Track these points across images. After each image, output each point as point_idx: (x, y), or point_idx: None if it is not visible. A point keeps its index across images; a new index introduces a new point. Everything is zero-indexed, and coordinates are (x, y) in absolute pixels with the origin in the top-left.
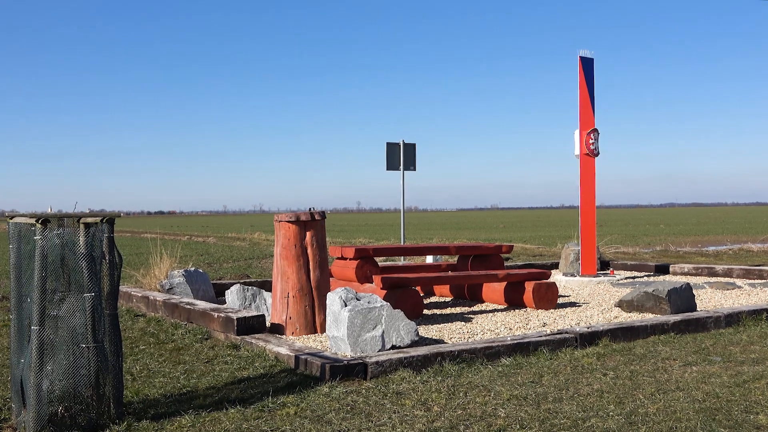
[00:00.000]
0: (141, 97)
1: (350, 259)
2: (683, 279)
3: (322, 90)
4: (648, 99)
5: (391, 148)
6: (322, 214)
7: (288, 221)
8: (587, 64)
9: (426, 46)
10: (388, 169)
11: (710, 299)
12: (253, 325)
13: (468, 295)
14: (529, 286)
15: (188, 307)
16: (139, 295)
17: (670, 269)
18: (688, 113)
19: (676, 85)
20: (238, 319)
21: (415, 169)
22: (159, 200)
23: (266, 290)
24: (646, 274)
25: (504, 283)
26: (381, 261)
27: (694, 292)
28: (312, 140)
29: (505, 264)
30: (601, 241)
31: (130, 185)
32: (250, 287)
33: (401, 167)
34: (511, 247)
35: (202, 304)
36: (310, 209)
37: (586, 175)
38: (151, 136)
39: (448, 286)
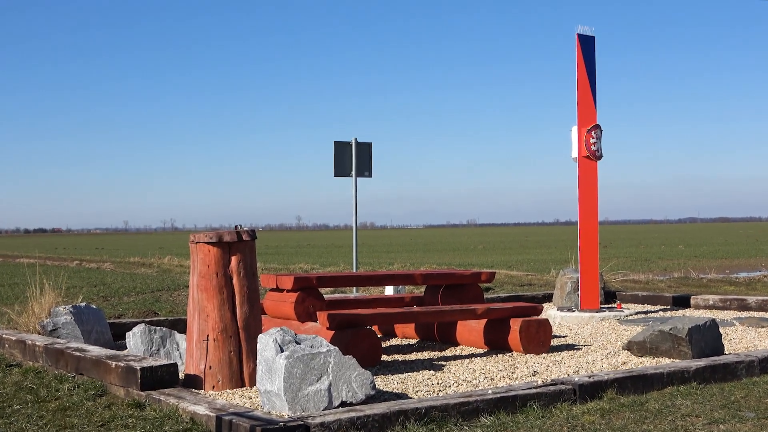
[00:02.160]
0: (17, 89)
1: (288, 291)
2: (707, 314)
3: (251, 81)
4: (664, 91)
5: (340, 149)
6: (252, 233)
7: (208, 242)
8: (587, 44)
9: (384, 25)
10: (336, 175)
11: (741, 339)
12: (162, 376)
13: (438, 335)
14: (516, 324)
15: (77, 354)
16: (13, 338)
17: (692, 301)
18: (714, 109)
19: (700, 73)
20: (142, 369)
21: (370, 176)
22: (39, 215)
23: (179, 332)
24: (662, 307)
25: (484, 321)
26: (327, 293)
27: (722, 330)
28: (238, 141)
29: (485, 296)
30: (605, 267)
31: (1, 196)
32: (158, 328)
33: (353, 173)
34: (493, 274)
35: (95, 351)
36: (236, 227)
37: (586, 183)
38: (30, 135)
39: (413, 325)
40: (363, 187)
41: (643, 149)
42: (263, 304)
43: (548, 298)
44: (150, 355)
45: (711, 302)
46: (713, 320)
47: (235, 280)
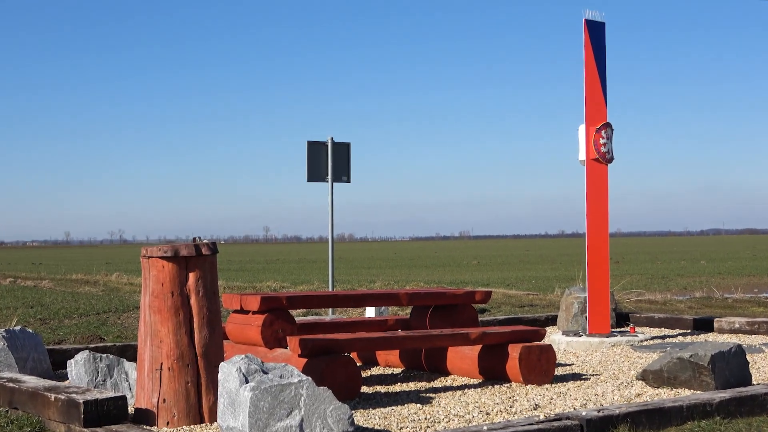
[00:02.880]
0: None
1: (254, 313)
2: (733, 339)
3: (209, 76)
4: (685, 87)
5: (315, 150)
6: (213, 246)
7: (161, 257)
8: (596, 31)
9: (365, 14)
10: (309, 180)
11: None
12: (109, 411)
13: (426, 364)
14: (515, 350)
15: (11, 385)
16: None
17: (715, 325)
18: (742, 108)
19: (727, 69)
20: (86, 402)
21: (349, 181)
22: None
23: (129, 359)
24: (681, 331)
25: (478, 347)
26: (299, 315)
27: (749, 357)
28: (196, 143)
29: (479, 319)
30: (617, 285)
31: None
32: (104, 355)
33: (329, 177)
34: (489, 293)
35: (31, 381)
36: (194, 239)
37: (595, 190)
38: None
39: (397, 352)
40: (340, 194)
41: (661, 152)
42: (225, 327)
43: (552, 320)
44: (95, 387)
45: (737, 325)
46: (739, 346)
47: (193, 300)
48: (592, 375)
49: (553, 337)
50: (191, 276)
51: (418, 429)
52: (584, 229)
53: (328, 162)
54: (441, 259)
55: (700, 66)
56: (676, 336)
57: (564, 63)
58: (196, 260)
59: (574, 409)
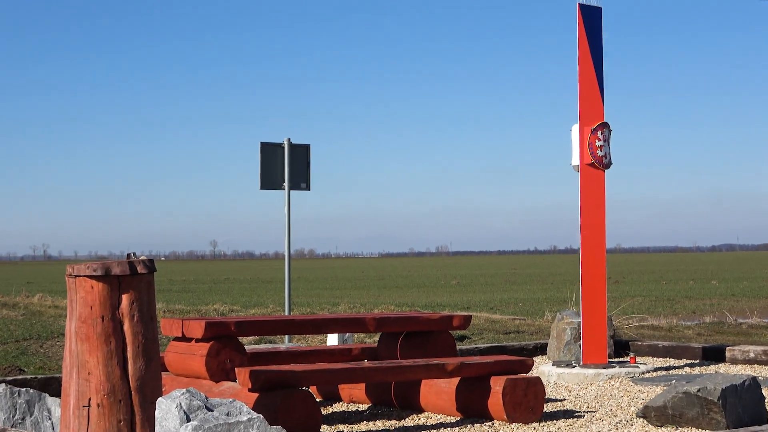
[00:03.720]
0: None
1: (198, 341)
2: (747, 370)
3: (149, 70)
4: (695, 84)
5: (269, 154)
6: (150, 263)
7: (91, 276)
8: (591, 18)
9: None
10: (263, 187)
11: None
12: None
13: (396, 399)
14: (498, 383)
15: None
16: None
17: (727, 354)
18: (760, 109)
19: (743, 64)
20: None
21: (308, 188)
22: None
23: (51, 394)
24: (689, 362)
25: (456, 380)
26: (251, 343)
27: (764, 391)
28: (132, 146)
29: (458, 347)
30: (616, 308)
31: None
32: (23, 390)
33: (285, 185)
34: (469, 318)
35: None
36: (128, 255)
37: (590, 199)
38: None
39: (363, 386)
40: (299, 204)
41: (666, 156)
42: (164, 357)
43: (541, 349)
44: (12, 426)
45: (752, 355)
46: (754, 379)
47: (126, 326)
48: (587, 412)
49: (543, 368)
50: (125, 298)
51: None
52: (578, 245)
53: (285, 167)
54: (414, 278)
55: (712, 60)
56: (682, 367)
57: (556, 55)
58: (130, 280)
59: None
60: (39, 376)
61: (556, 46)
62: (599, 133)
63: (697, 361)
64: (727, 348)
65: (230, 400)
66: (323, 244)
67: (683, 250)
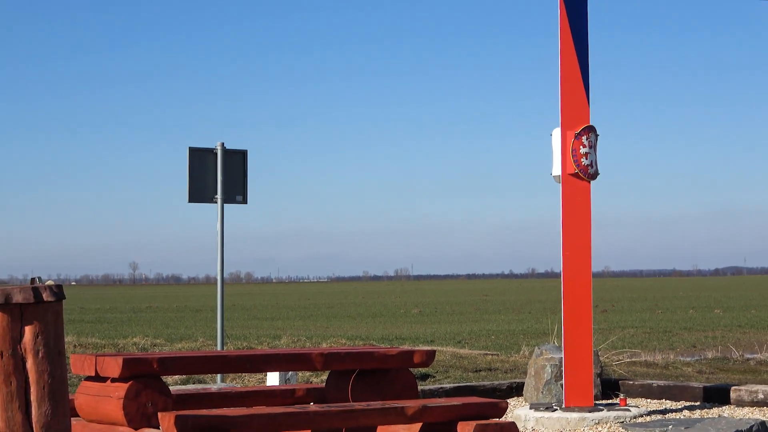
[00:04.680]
0: None
1: (114, 381)
2: (755, 414)
3: (57, 68)
4: (696, 85)
5: (199, 161)
6: (58, 289)
7: None
8: (574, 7)
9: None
10: (191, 200)
11: None
12: None
13: None
14: (466, 429)
15: None
16: None
17: (732, 395)
18: (765, 110)
19: (746, 63)
20: None
21: (245, 201)
22: None
23: None
24: (688, 404)
25: (418, 425)
26: (177, 383)
27: None
28: (38, 153)
29: (420, 388)
30: (604, 342)
31: None
32: None
33: (217, 196)
34: (433, 353)
35: None
36: (33, 280)
37: (573, 215)
38: None
39: None
40: (234, 219)
41: (662, 167)
42: (75, 400)
43: (517, 390)
44: None
45: (761, 396)
46: (763, 423)
47: (30, 364)
48: None
49: (518, 411)
50: (28, 330)
51: None
52: (560, 267)
53: (217, 176)
54: (369, 307)
55: (712, 59)
56: (681, 410)
57: (534, 49)
58: (34, 309)
59: None
60: None
61: (533, 40)
62: (584, 138)
63: (698, 403)
64: (733, 388)
65: None
66: (262, 266)
67: (682, 273)
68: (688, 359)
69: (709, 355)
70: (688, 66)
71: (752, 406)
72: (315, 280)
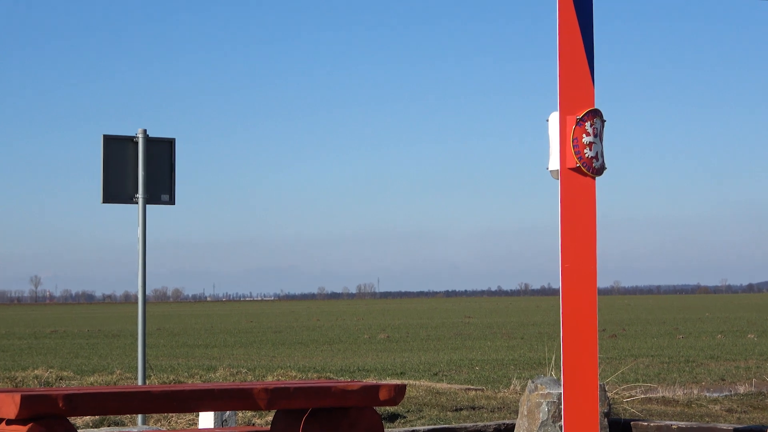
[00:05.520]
0: None
1: (10, 423)
2: None
3: None
4: (719, 64)
5: (115, 151)
6: None
7: None
8: None
9: None
10: (106, 200)
11: None
12: None
13: None
14: None
15: None
16: None
17: None
18: None
19: None
20: None
21: (173, 202)
22: None
23: None
24: None
25: None
26: (87, 426)
27: None
28: None
29: (388, 431)
30: (612, 374)
31: None
32: None
33: (138, 196)
34: (403, 389)
35: None
36: None
37: (575, 218)
38: None
39: None
40: (160, 224)
41: (684, 161)
42: None
43: (507, 431)
44: None
45: None
46: None
47: None
48: None
49: None
50: None
51: None
52: (558, 283)
53: (139, 171)
54: (326, 331)
55: (745, 38)
56: None
57: (524, 27)
58: None
59: None
60: None
61: (520, 13)
62: (588, 124)
63: None
64: None
65: None
66: (194, 281)
67: (707, 290)
68: (716, 395)
69: (741, 389)
70: (716, 48)
71: None
72: (259, 299)
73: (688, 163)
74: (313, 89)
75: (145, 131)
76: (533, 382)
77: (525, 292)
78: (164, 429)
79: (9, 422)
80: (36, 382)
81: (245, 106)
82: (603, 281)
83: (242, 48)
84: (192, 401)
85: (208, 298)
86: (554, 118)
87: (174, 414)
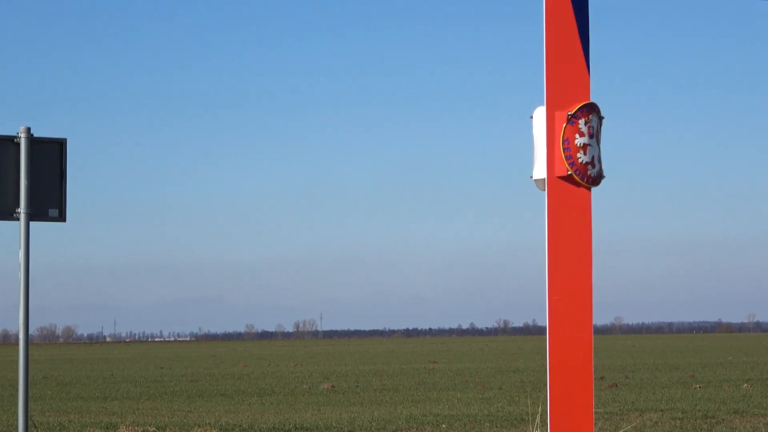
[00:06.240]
0: None
1: None
2: None
3: None
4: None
5: None
6: None
7: None
8: None
9: None
10: None
11: None
12: None
13: None
14: None
15: None
16: None
17: None
18: None
19: None
20: None
21: (63, 218)
22: None
23: None
24: None
25: None
26: None
27: None
28: None
29: None
30: None
31: None
32: None
33: (20, 210)
34: None
35: None
36: None
37: (565, 238)
38: None
39: None
40: (48, 245)
41: (702, 177)
42: None
43: None
44: None
45: None
46: None
47: None
48: None
49: None
50: None
51: None
52: (545, 320)
53: (20, 179)
54: (256, 379)
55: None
56: None
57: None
58: None
59: None
60: None
61: None
62: (582, 122)
63: None
64: None
65: None
66: (91, 317)
67: (731, 328)
68: None
69: None
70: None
71: None
72: (172, 339)
73: (707, 173)
74: (243, 82)
75: (28, 130)
76: None
77: (504, 331)
78: None
79: None
80: None
81: (156, 103)
82: (601, 317)
83: (152, 35)
84: None
85: (108, 339)
86: (540, 115)
87: None
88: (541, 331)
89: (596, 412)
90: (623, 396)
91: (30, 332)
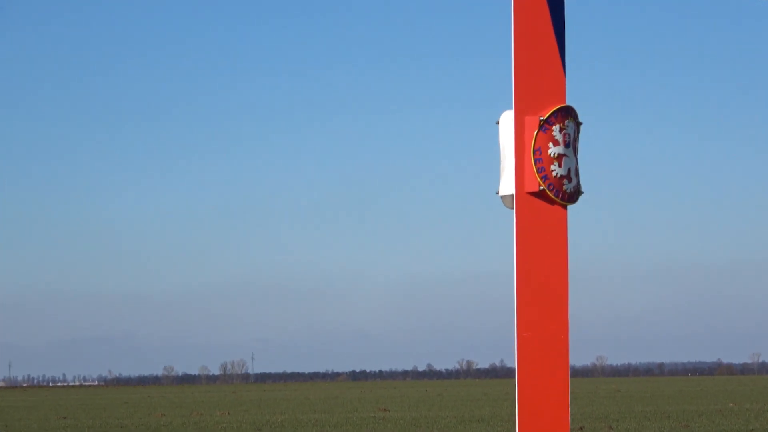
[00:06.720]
0: None
1: None
2: None
3: None
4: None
5: None
6: None
7: None
8: None
9: None
10: None
11: None
12: None
13: None
14: None
15: None
16: None
17: None
18: None
19: None
20: None
21: None
22: None
23: None
24: None
25: None
26: None
27: None
28: None
29: None
30: None
31: None
32: None
33: None
34: None
35: None
36: None
37: (536, 263)
38: None
39: None
40: None
41: (698, 196)
42: None
43: None
44: None
45: None
46: None
47: None
48: None
49: None
50: None
51: None
52: (513, 360)
53: None
54: (176, 430)
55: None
56: None
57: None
58: None
59: None
60: None
61: None
62: (556, 129)
63: None
64: None
65: None
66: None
67: (732, 369)
68: None
69: None
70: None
71: None
72: (77, 383)
73: (705, 191)
74: (148, 85)
75: None
76: None
77: (467, 374)
78: None
79: None
80: None
81: (54, 112)
82: (580, 357)
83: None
84: None
85: (1, 383)
86: (507, 120)
87: None
88: (509, 373)
89: None
90: None
91: None
